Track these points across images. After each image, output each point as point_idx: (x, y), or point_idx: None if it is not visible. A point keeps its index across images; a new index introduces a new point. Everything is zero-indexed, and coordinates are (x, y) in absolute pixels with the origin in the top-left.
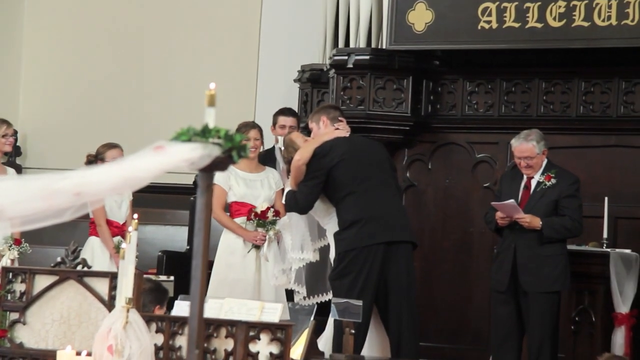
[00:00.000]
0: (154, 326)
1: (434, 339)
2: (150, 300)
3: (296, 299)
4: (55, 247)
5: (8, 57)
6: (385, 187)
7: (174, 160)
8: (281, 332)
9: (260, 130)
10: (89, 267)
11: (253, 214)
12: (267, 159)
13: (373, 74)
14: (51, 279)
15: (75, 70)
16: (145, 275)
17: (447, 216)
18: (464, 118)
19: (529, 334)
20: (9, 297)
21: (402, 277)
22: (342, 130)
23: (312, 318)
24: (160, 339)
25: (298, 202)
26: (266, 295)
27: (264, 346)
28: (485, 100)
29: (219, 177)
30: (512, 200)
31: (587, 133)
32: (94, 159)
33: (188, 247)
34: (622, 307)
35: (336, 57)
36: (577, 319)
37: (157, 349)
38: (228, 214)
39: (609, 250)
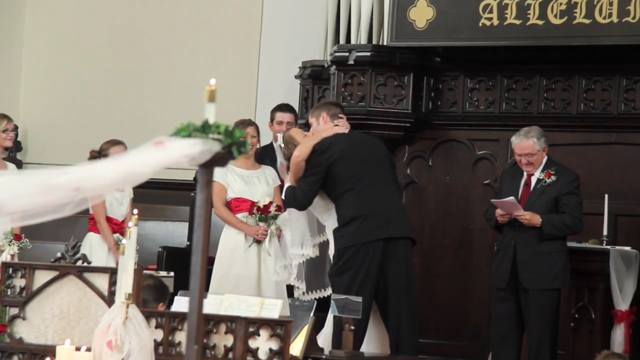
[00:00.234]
0: (153, 322)
1: (434, 335)
2: (155, 297)
3: (296, 294)
4: (55, 243)
5: (9, 53)
6: (384, 183)
7: (173, 156)
8: (281, 328)
9: (257, 128)
10: (89, 262)
11: (256, 208)
12: (264, 155)
13: (374, 71)
14: (51, 275)
15: (75, 66)
16: (145, 272)
17: (448, 213)
18: (464, 115)
19: (529, 331)
20: (8, 292)
21: (402, 274)
22: (342, 126)
23: (311, 314)
24: (159, 335)
25: (297, 199)
26: (267, 291)
27: (263, 342)
28: (486, 97)
29: (216, 174)
30: (511, 198)
31: (587, 130)
32: (98, 155)
33: (188, 243)
34: (622, 304)
35: (337, 54)
36: (576, 316)
37: (157, 344)
38: None
39: (608, 247)
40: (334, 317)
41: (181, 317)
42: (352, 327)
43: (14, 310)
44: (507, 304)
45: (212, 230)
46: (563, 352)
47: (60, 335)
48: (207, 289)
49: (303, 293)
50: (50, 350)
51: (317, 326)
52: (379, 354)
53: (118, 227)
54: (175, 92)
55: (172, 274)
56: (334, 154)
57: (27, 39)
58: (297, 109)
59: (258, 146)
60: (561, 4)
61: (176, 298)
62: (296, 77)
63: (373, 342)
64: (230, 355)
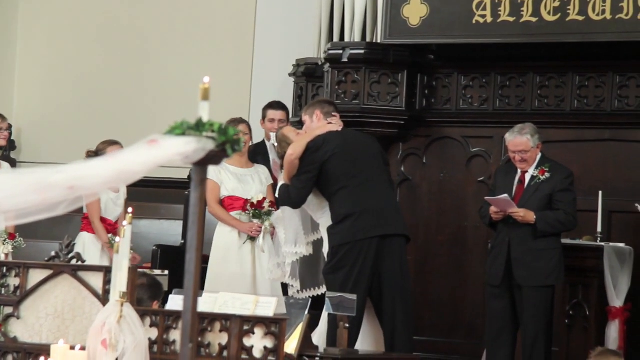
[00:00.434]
0: (148, 320)
1: (428, 333)
2: (150, 296)
3: (290, 292)
4: (50, 242)
5: (3, 51)
6: (378, 181)
7: (167, 154)
8: (275, 326)
9: (249, 126)
10: (83, 261)
11: (249, 204)
12: (257, 152)
13: (368, 68)
14: (45, 273)
15: (70, 65)
16: (139, 270)
17: (442, 210)
18: (458, 112)
19: (523, 328)
20: (3, 292)
21: (396, 271)
22: (335, 124)
23: (306, 312)
24: (154, 333)
25: (291, 197)
26: (262, 289)
27: (258, 340)
28: (479, 94)
29: (209, 172)
30: (505, 195)
31: (581, 127)
32: (94, 156)
33: (182, 241)
34: (616, 300)
35: (331, 51)
36: (571, 312)
37: (151, 343)
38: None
39: (603, 244)
40: (329, 314)
41: (176, 315)
42: (347, 325)
43: (8, 309)
44: (501, 301)
45: (206, 228)
46: (557, 348)
47: (54, 334)
48: (201, 287)
49: (297, 291)
50: (45, 349)
51: (312, 324)
52: (374, 351)
53: (112, 228)
54: (169, 90)
55: (166, 272)
56: (327, 152)
57: (21, 37)
58: (291, 106)
59: (251, 144)
60: (555, 0)
61: (171, 296)
62: (290, 75)
63: (368, 339)
64: (225, 353)
